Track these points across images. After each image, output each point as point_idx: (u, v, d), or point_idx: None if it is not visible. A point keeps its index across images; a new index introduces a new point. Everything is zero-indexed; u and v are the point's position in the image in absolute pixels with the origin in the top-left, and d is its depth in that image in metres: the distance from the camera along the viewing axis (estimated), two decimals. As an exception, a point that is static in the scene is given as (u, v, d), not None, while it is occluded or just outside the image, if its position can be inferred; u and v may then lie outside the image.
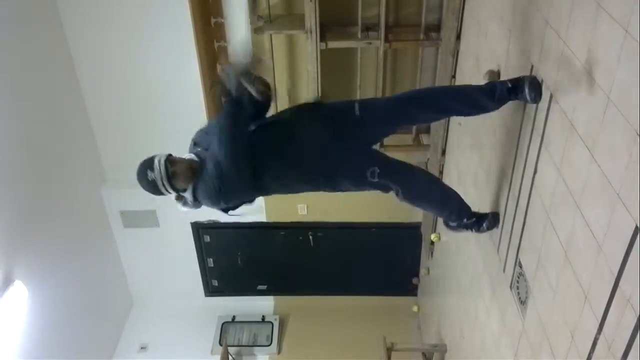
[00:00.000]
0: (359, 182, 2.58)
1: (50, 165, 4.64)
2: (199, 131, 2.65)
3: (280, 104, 4.65)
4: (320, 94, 3.04)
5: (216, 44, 4.50)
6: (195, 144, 2.60)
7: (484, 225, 2.89)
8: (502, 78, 2.82)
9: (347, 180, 2.59)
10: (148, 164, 2.43)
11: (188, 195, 2.51)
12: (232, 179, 2.40)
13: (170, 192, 2.48)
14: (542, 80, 2.31)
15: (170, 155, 2.46)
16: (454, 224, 2.88)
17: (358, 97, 4.58)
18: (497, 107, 2.54)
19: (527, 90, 2.36)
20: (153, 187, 2.44)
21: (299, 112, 2.62)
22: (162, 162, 2.40)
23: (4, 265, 4.00)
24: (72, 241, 4.95)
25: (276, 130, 2.50)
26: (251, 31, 4.33)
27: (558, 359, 2.19)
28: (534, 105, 2.39)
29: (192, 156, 2.52)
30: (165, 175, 2.39)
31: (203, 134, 2.62)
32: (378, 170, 2.53)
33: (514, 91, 2.43)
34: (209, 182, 2.41)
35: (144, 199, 5.37)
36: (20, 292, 4.12)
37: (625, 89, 1.64)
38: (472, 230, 2.90)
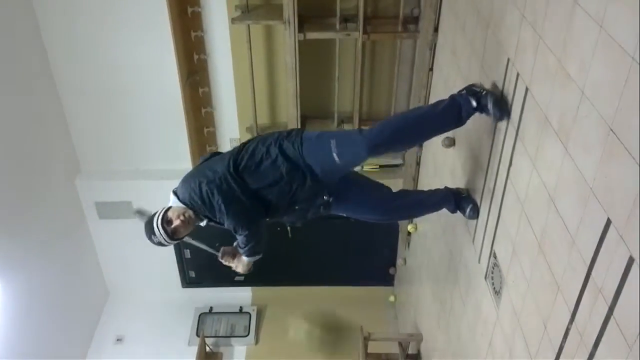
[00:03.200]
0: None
1: (23, 156, 4.56)
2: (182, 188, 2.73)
3: (258, 99, 4.68)
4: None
5: (193, 34, 4.45)
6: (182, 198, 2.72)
7: (465, 207, 2.98)
8: (480, 71, 2.85)
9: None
10: (150, 230, 2.64)
11: (205, 223, 2.76)
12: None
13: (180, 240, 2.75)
14: (517, 75, 2.34)
15: (166, 213, 2.61)
16: (451, 207, 3.07)
17: (336, 95, 4.60)
18: (463, 124, 2.68)
19: (491, 110, 2.48)
20: (163, 245, 2.69)
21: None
22: (160, 226, 2.59)
23: (-24, 257, 3.94)
24: (46, 233, 4.88)
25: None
26: (228, 21, 4.31)
27: (531, 348, 2.24)
28: (510, 98, 2.42)
29: (182, 207, 2.67)
30: (166, 237, 2.61)
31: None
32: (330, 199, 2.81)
33: (479, 109, 2.56)
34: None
35: (119, 190, 5.38)
36: (-7, 285, 4.06)
37: (599, 84, 1.68)
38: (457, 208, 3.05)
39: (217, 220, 2.69)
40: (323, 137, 2.66)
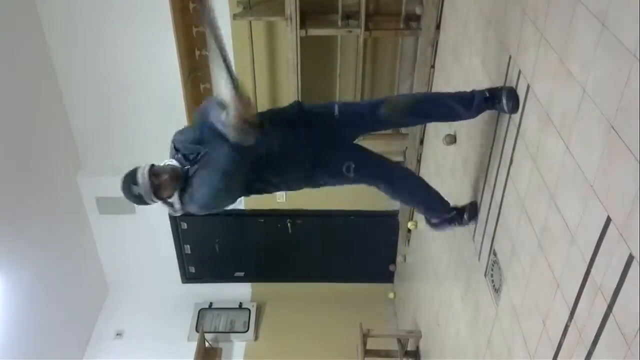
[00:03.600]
0: (337, 178, 2.61)
1: (25, 152, 4.57)
2: (178, 134, 2.58)
3: (259, 94, 4.67)
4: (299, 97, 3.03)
5: (194, 30, 4.45)
6: (176, 149, 2.55)
7: (465, 217, 2.92)
8: (481, 68, 2.85)
9: (325, 177, 2.62)
10: (131, 178, 2.39)
11: (175, 201, 2.48)
12: (228, 191, 2.45)
13: (156, 202, 2.46)
14: (519, 72, 2.34)
15: (152, 166, 2.42)
16: (436, 221, 2.93)
17: (338, 91, 4.59)
18: (473, 116, 2.60)
19: (504, 101, 2.42)
20: (139, 200, 2.43)
21: (279, 119, 2.60)
22: (146, 175, 2.36)
23: (-24, 251, 3.95)
24: (47, 228, 4.89)
25: (258, 145, 2.44)
26: (230, 17, 4.30)
27: (530, 345, 2.24)
28: (512, 96, 2.42)
29: (174, 163, 2.49)
30: (150, 189, 2.37)
31: (185, 140, 2.55)
32: (353, 165, 2.56)
33: (491, 101, 2.48)
34: (203, 189, 2.40)
35: (120, 186, 5.37)
36: (-7, 279, 4.07)
37: (601, 82, 1.68)
38: (455, 224, 2.93)
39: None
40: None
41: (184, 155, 2.51)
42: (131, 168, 2.45)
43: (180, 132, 2.60)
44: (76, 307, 5.62)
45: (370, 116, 2.63)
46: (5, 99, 4.25)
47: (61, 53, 4.71)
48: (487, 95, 2.48)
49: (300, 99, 4.40)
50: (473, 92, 2.55)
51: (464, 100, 2.55)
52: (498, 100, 2.45)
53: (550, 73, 2.02)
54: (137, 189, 2.38)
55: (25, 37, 4.46)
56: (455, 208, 2.94)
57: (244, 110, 2.22)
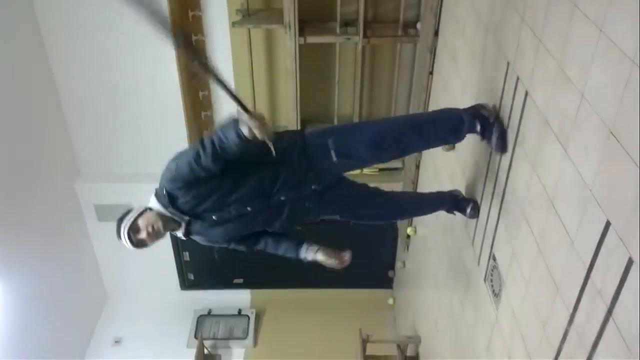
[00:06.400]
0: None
1: (23, 158, 4.57)
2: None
3: (258, 102, 4.69)
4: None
5: (194, 37, 4.47)
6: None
7: (469, 209, 2.96)
8: (479, 75, 2.87)
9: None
10: (117, 232, 2.44)
11: (180, 234, 2.54)
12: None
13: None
14: (517, 78, 2.36)
15: (136, 221, 2.40)
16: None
17: (336, 99, 4.60)
18: (461, 140, 2.71)
19: (494, 143, 2.52)
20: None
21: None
22: (125, 233, 2.40)
23: (-25, 258, 3.94)
24: (46, 235, 4.89)
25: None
26: (229, 25, 4.32)
27: (530, 349, 2.25)
28: (510, 102, 2.44)
29: (162, 210, 2.45)
30: (130, 245, 2.43)
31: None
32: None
33: (481, 134, 2.58)
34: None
35: (118, 193, 5.38)
36: (-8, 286, 4.06)
37: (599, 87, 1.69)
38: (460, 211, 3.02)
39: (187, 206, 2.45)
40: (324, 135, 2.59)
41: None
42: (123, 212, 2.48)
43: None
44: (75, 314, 5.60)
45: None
46: (3, 106, 4.25)
47: (60, 60, 4.72)
48: (479, 130, 2.58)
49: (299, 107, 4.42)
50: (463, 121, 2.60)
51: (452, 128, 2.63)
52: (488, 139, 2.56)
53: (549, 79, 2.03)
54: (120, 241, 2.44)
55: (24, 44, 4.47)
56: (447, 194, 3.06)
57: (262, 125, 2.16)
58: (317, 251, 2.83)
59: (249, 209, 2.48)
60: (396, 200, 3.13)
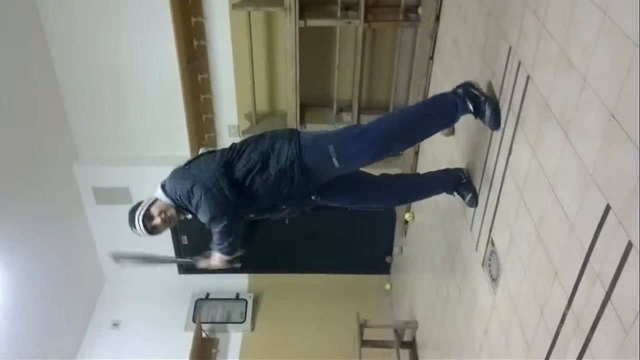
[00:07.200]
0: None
1: (21, 141, 4.55)
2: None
3: (257, 85, 4.67)
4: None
5: (193, 20, 4.44)
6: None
7: (468, 196, 2.97)
8: (481, 59, 2.86)
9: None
10: (131, 221, 2.63)
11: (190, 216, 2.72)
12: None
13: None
14: (519, 63, 2.35)
15: (149, 209, 2.60)
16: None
17: (336, 83, 4.58)
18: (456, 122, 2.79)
19: (488, 119, 2.56)
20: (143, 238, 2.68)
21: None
22: (140, 220, 2.59)
23: (-27, 240, 3.94)
24: (43, 218, 4.88)
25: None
26: (229, 7, 4.29)
27: (527, 333, 2.26)
28: (511, 86, 2.43)
29: (168, 202, 2.63)
30: (145, 231, 2.62)
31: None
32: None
33: (475, 113, 2.62)
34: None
35: (117, 176, 5.38)
36: (-10, 268, 4.06)
37: (602, 72, 1.69)
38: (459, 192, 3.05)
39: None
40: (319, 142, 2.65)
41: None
42: (134, 204, 2.67)
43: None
44: (73, 297, 5.62)
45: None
46: (1, 89, 4.23)
47: (58, 42, 4.69)
48: (472, 110, 2.61)
49: (298, 91, 4.40)
50: (455, 103, 2.64)
51: (446, 113, 2.70)
52: (482, 117, 2.59)
53: (551, 63, 2.02)
54: (135, 231, 2.63)
55: (22, 26, 4.44)
56: (452, 177, 3.08)
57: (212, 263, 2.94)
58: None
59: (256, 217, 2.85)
60: (396, 187, 3.15)
